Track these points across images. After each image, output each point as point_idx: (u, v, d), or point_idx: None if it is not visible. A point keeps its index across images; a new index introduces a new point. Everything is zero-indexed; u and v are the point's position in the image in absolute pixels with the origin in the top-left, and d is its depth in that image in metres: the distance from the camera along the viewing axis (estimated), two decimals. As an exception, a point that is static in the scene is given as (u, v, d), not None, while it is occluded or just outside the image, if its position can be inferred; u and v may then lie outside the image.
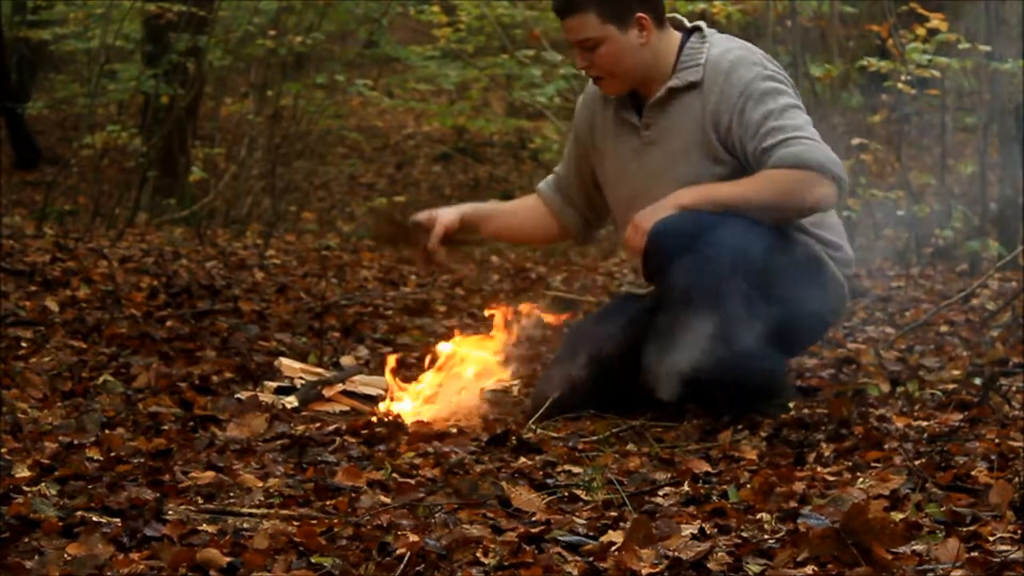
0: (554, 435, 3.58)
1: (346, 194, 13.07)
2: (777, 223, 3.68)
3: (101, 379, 4.03)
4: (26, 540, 2.55)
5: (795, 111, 3.68)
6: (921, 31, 7.13)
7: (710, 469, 3.24)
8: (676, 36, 3.81)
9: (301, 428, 3.58)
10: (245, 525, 2.69)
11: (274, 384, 4.01)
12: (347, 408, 3.90)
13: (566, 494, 3.02)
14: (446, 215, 3.98)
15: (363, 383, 4.05)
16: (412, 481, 3.07)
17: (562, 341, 4.10)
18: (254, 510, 2.79)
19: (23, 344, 4.43)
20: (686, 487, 3.07)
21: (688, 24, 3.84)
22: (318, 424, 3.67)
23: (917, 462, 3.12)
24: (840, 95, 8.12)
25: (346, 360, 4.42)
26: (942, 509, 2.77)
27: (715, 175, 3.71)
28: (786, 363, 3.92)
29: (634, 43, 3.74)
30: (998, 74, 7.13)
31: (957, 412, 3.71)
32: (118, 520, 2.65)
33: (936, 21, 7.07)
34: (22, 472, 3.00)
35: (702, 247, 3.58)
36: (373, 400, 3.97)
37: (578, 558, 2.55)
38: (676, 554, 2.51)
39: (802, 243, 3.76)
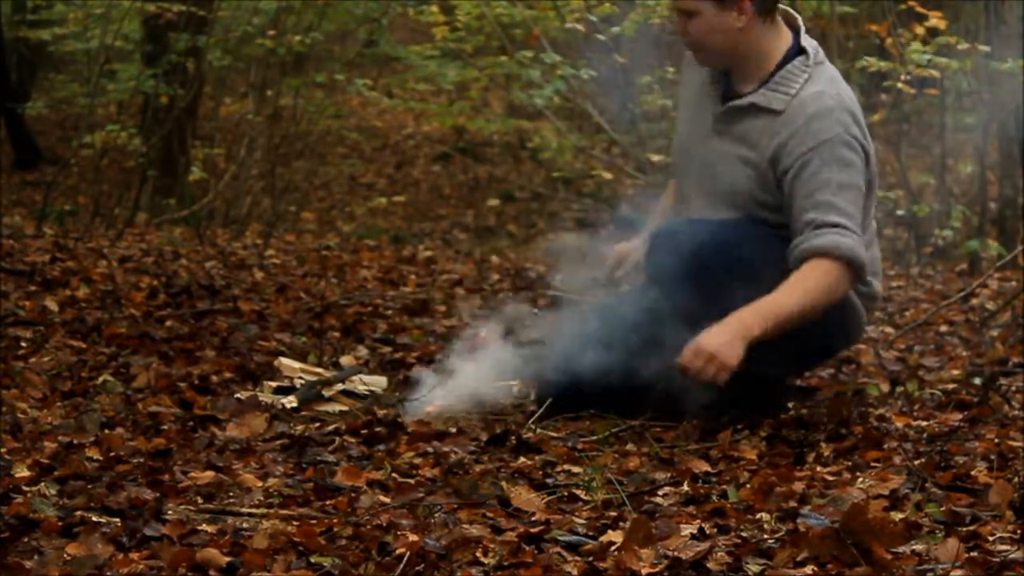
0: (554, 435, 3.58)
1: (346, 194, 13.08)
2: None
3: (101, 379, 4.03)
4: (26, 540, 2.55)
5: (851, 191, 3.62)
6: (920, 30, 7.13)
7: (710, 469, 3.24)
8: (784, 39, 3.75)
9: (301, 428, 3.58)
10: (245, 525, 2.69)
11: (274, 384, 4.01)
12: (347, 408, 3.90)
13: (566, 494, 3.02)
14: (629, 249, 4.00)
15: (363, 383, 4.05)
16: (412, 481, 3.07)
17: (563, 341, 4.09)
18: (254, 510, 2.79)
19: (23, 344, 4.43)
20: (686, 487, 3.07)
21: (802, 31, 3.78)
22: (318, 424, 3.67)
23: (917, 462, 3.12)
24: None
25: (346, 360, 4.42)
26: (942, 509, 2.77)
27: (755, 197, 3.70)
28: (791, 377, 3.91)
29: (730, 25, 3.70)
30: (998, 74, 7.13)
31: (957, 412, 3.71)
32: (118, 520, 2.65)
33: (935, 20, 7.07)
34: (22, 472, 3.00)
35: (701, 253, 3.59)
36: (372, 398, 3.98)
37: (578, 558, 2.55)
38: (676, 554, 2.51)
39: None
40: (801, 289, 3.59)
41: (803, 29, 3.80)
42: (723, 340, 3.53)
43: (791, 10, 3.82)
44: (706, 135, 3.80)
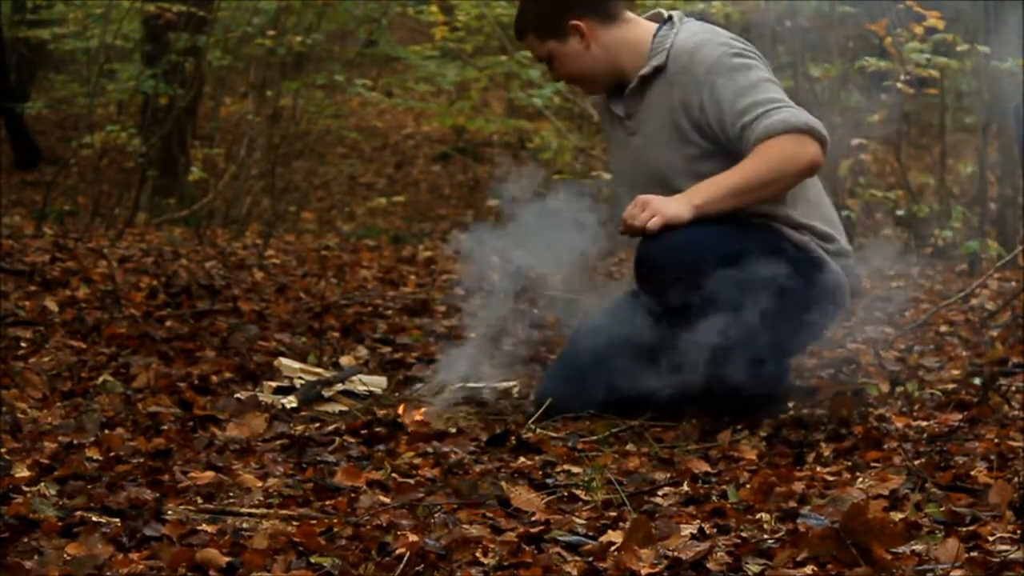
0: (554, 435, 3.58)
1: (346, 194, 13.08)
2: (779, 193, 3.66)
3: (101, 379, 4.03)
4: (26, 540, 2.55)
5: (768, 84, 3.67)
6: (919, 30, 7.13)
7: (710, 469, 3.24)
8: (647, 27, 3.83)
9: (301, 428, 3.58)
10: (245, 525, 2.69)
11: (274, 384, 4.01)
12: (347, 408, 3.90)
13: (566, 494, 3.02)
14: None
15: (363, 383, 4.05)
16: (412, 481, 3.07)
17: (564, 341, 4.10)
18: (254, 510, 2.79)
19: (23, 344, 4.43)
20: (686, 487, 3.07)
21: (666, 15, 3.86)
22: (318, 424, 3.67)
23: (917, 462, 3.12)
24: (840, 95, 8.11)
25: (346, 360, 4.42)
26: (942, 509, 2.77)
27: (687, 156, 3.72)
28: (788, 365, 3.90)
29: (578, 49, 3.82)
30: (998, 74, 7.13)
31: (957, 412, 3.71)
32: (118, 520, 2.65)
33: (933, 20, 7.07)
34: (22, 472, 3.00)
35: (689, 257, 3.59)
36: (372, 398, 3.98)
37: (578, 558, 2.55)
38: (676, 554, 2.51)
39: (797, 241, 3.73)
40: (752, 163, 3.62)
41: (666, 14, 3.87)
42: (665, 200, 3.63)
43: (658, 9, 3.89)
44: (625, 145, 3.87)
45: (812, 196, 3.78)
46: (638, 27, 3.84)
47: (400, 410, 3.77)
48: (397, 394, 4.03)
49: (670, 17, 3.84)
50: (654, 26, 3.84)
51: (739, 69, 3.67)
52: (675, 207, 3.62)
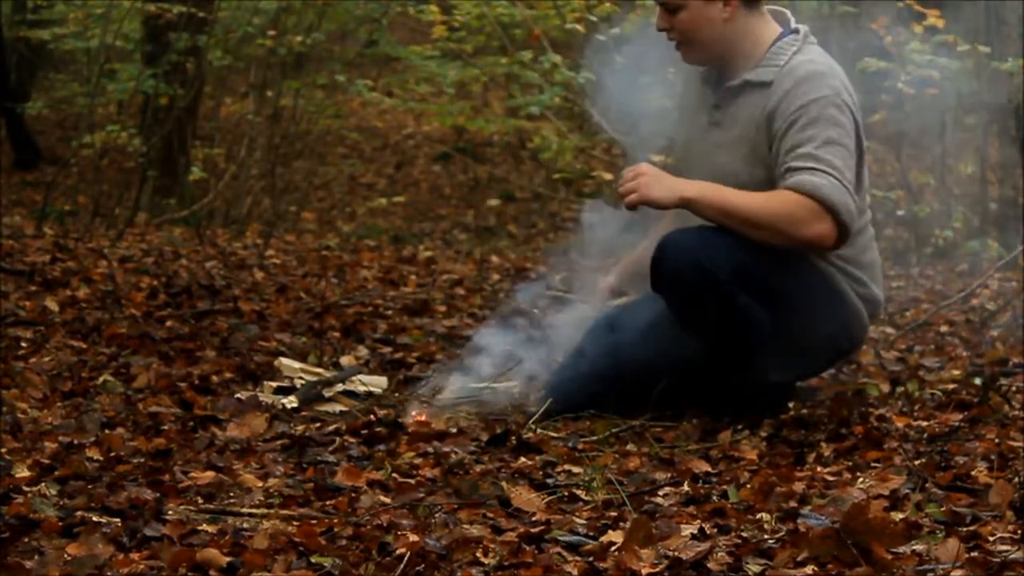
0: (554, 435, 3.58)
1: (346, 194, 13.07)
2: (766, 243, 3.58)
3: (101, 379, 4.03)
4: (26, 540, 2.55)
5: (839, 148, 3.57)
6: (918, 28, 7.13)
7: (710, 469, 3.24)
8: (772, 28, 3.74)
9: (301, 428, 3.58)
10: (245, 525, 2.69)
11: (274, 384, 4.01)
12: (347, 408, 3.90)
13: (566, 494, 3.02)
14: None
15: (363, 383, 4.05)
16: (412, 481, 3.07)
17: (569, 341, 4.09)
18: (254, 510, 2.79)
19: (23, 344, 4.43)
20: (686, 487, 3.07)
21: (793, 24, 3.77)
22: (318, 424, 3.67)
23: (917, 462, 3.12)
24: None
25: (346, 360, 4.42)
26: (942, 509, 2.77)
27: (752, 176, 3.65)
28: (795, 380, 3.90)
29: (716, 16, 3.69)
30: (998, 74, 7.13)
31: (957, 412, 3.71)
32: (118, 520, 2.66)
33: (932, 18, 7.07)
34: (22, 472, 3.00)
35: (706, 263, 3.57)
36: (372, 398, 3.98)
37: (578, 558, 2.55)
38: (676, 554, 2.51)
39: (821, 271, 3.70)
40: (760, 199, 3.57)
41: (793, 23, 3.79)
42: (661, 178, 3.58)
43: (783, 10, 3.82)
44: (704, 131, 3.79)
45: (860, 225, 3.71)
46: (767, 26, 3.74)
47: (411, 413, 3.77)
48: (397, 394, 4.03)
49: (796, 29, 3.73)
50: (778, 28, 3.75)
51: (825, 121, 3.58)
52: (660, 192, 3.57)
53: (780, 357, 3.65)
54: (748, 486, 3.01)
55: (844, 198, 3.53)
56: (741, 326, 3.60)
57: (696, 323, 3.63)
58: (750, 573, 2.46)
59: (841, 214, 3.53)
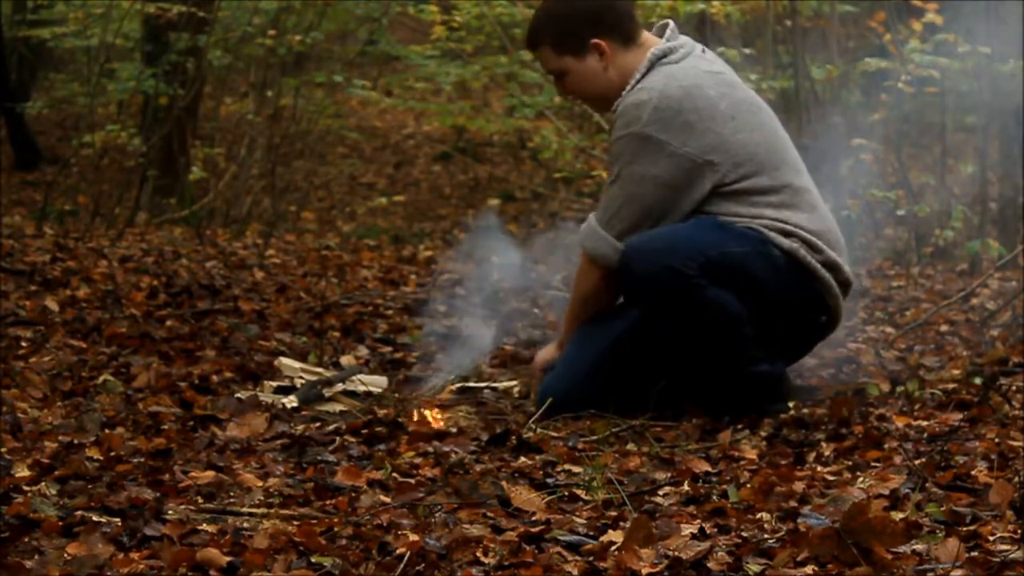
0: (554, 435, 3.58)
1: (346, 194, 13.07)
2: (597, 312, 3.85)
3: (101, 379, 4.03)
4: (26, 540, 2.55)
5: (624, 187, 3.69)
6: (918, 26, 7.12)
7: (710, 469, 3.24)
8: (642, 55, 3.76)
9: (301, 428, 3.58)
10: (245, 525, 2.70)
11: (274, 384, 4.02)
12: (347, 408, 3.90)
13: (566, 494, 3.02)
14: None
15: (363, 383, 4.05)
16: (412, 481, 3.07)
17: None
18: (254, 510, 2.80)
19: (23, 344, 4.43)
20: (686, 487, 3.07)
21: (666, 37, 3.79)
22: (318, 424, 3.67)
23: (917, 462, 3.12)
24: (840, 95, 8.11)
25: (346, 360, 4.42)
26: (942, 509, 2.77)
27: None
28: (783, 366, 3.90)
29: (595, 68, 3.78)
30: (998, 74, 7.13)
31: (957, 412, 3.71)
32: (118, 520, 2.66)
33: (931, 15, 7.06)
34: (22, 472, 3.00)
35: (671, 261, 3.59)
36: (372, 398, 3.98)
37: (578, 558, 2.55)
38: (676, 554, 2.51)
39: (787, 249, 3.71)
40: (573, 289, 3.90)
41: (672, 30, 3.81)
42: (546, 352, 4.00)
43: (666, 22, 3.85)
44: None
45: (805, 204, 3.75)
46: (640, 54, 3.78)
47: (418, 411, 3.77)
48: (397, 394, 4.04)
49: (663, 54, 3.76)
50: (648, 50, 3.77)
51: (618, 158, 3.71)
52: (543, 353, 4.00)
53: (763, 343, 3.68)
54: (748, 486, 3.01)
55: (593, 242, 3.74)
56: (717, 319, 3.62)
57: (673, 325, 3.65)
58: (750, 573, 2.46)
59: (598, 260, 3.74)
